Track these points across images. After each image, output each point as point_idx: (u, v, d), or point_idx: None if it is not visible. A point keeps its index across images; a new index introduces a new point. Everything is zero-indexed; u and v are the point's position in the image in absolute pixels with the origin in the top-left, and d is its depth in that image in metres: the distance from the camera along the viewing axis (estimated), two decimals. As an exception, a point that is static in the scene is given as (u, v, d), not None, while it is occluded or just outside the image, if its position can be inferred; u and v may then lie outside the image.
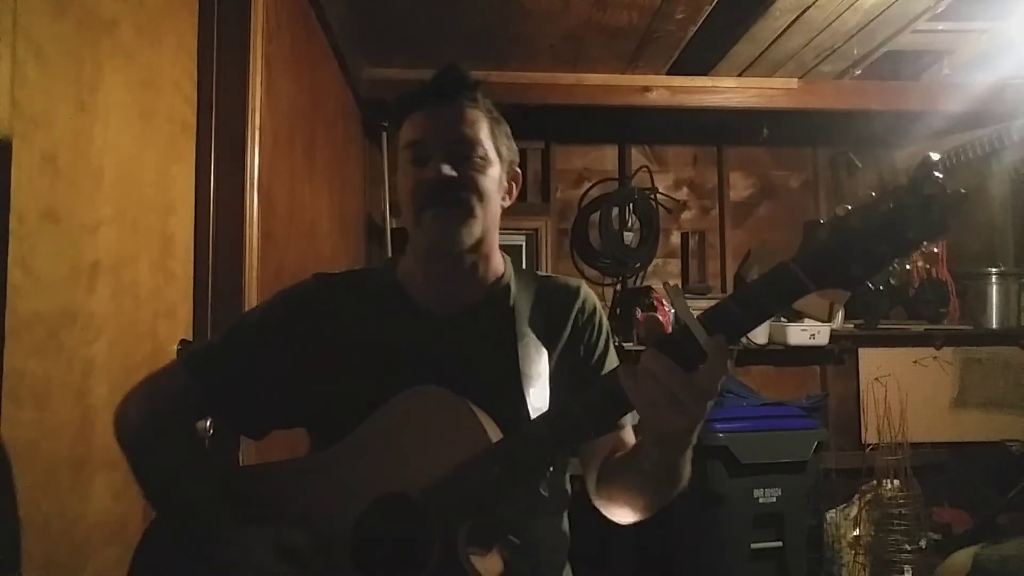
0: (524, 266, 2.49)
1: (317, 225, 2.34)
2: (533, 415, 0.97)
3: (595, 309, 1.14)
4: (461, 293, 1.09)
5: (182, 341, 1.42)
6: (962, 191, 0.69)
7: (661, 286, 3.59)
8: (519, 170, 1.14)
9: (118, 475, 1.19)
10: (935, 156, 0.70)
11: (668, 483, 0.93)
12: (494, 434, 0.91)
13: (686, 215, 3.72)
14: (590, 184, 3.62)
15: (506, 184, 1.11)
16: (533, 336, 1.06)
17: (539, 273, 1.19)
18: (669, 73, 3.08)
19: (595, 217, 3.55)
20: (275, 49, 1.78)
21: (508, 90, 2.96)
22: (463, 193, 1.02)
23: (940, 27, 2.78)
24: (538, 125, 3.36)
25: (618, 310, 3.46)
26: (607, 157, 3.67)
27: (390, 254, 3.16)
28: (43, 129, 0.98)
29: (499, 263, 1.13)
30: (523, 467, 0.89)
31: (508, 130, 1.12)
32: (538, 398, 1.01)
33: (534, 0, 2.43)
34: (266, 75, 1.68)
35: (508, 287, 1.11)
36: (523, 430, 0.90)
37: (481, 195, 1.03)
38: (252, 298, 1.58)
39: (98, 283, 1.13)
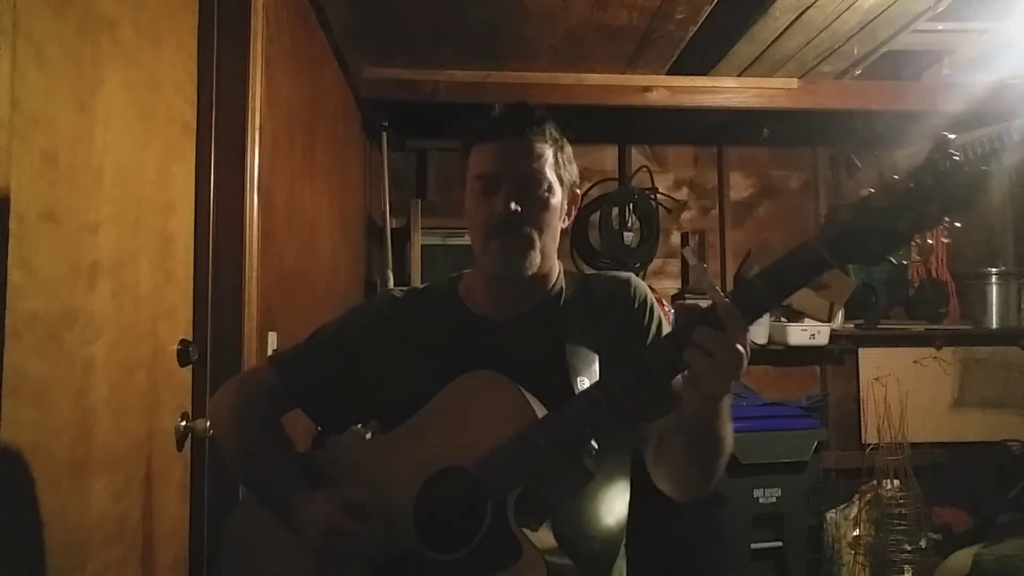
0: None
1: (317, 225, 2.34)
2: None
3: (646, 297, 1.20)
4: (517, 303, 1.17)
5: (182, 341, 1.42)
6: (982, 168, 0.73)
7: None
8: (578, 192, 1.22)
9: (118, 475, 1.20)
10: (950, 136, 0.73)
11: (713, 447, 0.98)
12: (542, 413, 0.99)
13: (686, 215, 3.72)
14: (590, 184, 3.61)
15: (566, 207, 1.18)
16: (582, 333, 1.13)
17: (586, 272, 1.26)
18: (669, 73, 3.08)
19: (595, 217, 3.55)
20: (275, 49, 1.78)
21: (508, 90, 2.94)
22: (526, 227, 1.10)
23: (940, 27, 2.78)
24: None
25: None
26: (607, 157, 3.67)
27: (390, 254, 3.16)
28: (43, 129, 0.98)
29: (554, 272, 1.21)
30: (565, 439, 0.96)
31: (571, 152, 1.18)
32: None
33: (534, 0, 2.43)
34: (266, 75, 1.68)
35: (560, 291, 1.19)
36: (566, 404, 0.97)
37: (542, 229, 1.12)
38: (252, 298, 1.58)
39: (98, 283, 1.13)
